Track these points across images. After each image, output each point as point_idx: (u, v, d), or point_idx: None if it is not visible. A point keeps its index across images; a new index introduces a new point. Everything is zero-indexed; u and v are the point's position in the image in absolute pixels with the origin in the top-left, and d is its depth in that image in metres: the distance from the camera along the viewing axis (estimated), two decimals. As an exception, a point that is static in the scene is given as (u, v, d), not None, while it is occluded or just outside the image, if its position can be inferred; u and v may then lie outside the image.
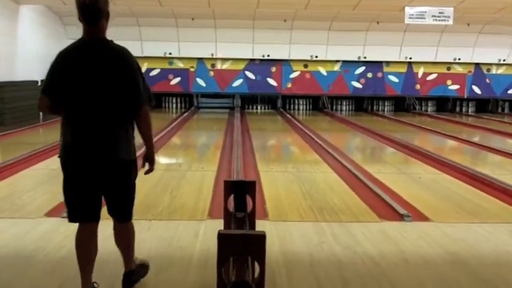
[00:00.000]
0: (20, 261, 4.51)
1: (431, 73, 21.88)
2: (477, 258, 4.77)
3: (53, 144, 10.18)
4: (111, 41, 3.72)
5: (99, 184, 3.74)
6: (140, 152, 3.95)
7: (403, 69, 21.79)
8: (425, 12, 17.73)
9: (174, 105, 22.11)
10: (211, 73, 21.33)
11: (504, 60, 21.73)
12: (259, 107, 22.36)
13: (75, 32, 17.85)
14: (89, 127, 3.59)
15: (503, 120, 18.94)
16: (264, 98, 22.26)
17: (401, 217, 5.93)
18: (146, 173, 4.00)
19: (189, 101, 22.01)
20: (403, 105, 22.40)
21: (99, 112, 3.57)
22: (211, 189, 7.15)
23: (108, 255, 4.28)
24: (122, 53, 3.66)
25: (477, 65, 21.91)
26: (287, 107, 22.14)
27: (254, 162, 9.52)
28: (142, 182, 7.80)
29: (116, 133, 3.65)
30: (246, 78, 21.35)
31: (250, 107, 22.27)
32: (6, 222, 5.62)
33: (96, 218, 3.82)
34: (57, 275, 4.24)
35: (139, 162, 3.95)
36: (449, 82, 21.96)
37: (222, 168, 8.82)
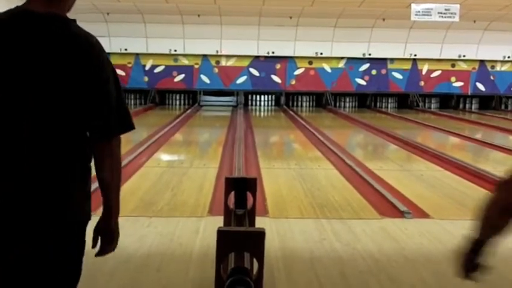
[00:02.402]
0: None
1: (435, 70, 21.82)
2: (477, 256, 4.76)
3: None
4: (74, 22, 2.21)
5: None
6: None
7: (408, 66, 21.74)
8: (432, 9, 17.68)
9: (178, 102, 22.12)
10: (216, 70, 21.32)
11: (509, 57, 21.64)
12: (262, 103, 22.34)
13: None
14: (11, 162, 2.09)
15: (506, 117, 18.87)
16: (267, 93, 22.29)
17: (401, 214, 5.94)
18: (98, 254, 2.55)
19: (193, 97, 22.00)
20: (406, 102, 22.36)
21: (33, 136, 2.09)
22: (213, 186, 7.15)
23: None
24: (90, 44, 2.18)
25: (482, 62, 21.84)
26: (290, 104, 22.13)
27: (256, 159, 9.53)
28: (143, 178, 7.88)
29: (61, 174, 2.14)
30: (250, 75, 21.34)
31: (254, 103, 22.26)
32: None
33: None
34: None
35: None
36: (453, 79, 21.89)
37: (223, 165, 8.83)
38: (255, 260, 3.05)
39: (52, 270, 2.21)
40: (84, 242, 2.37)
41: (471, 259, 2.28)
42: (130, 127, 2.27)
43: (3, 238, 2.11)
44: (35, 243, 2.13)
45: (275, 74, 21.40)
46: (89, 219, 2.34)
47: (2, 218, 2.09)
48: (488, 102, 22.50)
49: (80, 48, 2.12)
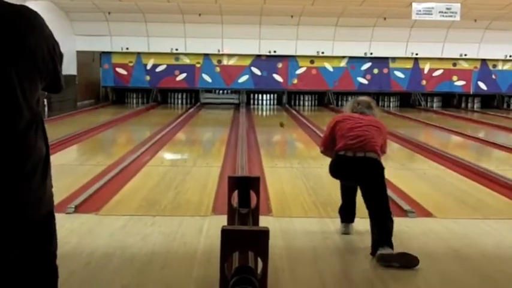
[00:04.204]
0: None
1: (437, 69, 21.83)
2: (481, 254, 4.77)
3: (57, 140, 10.23)
4: None
5: None
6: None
7: (409, 65, 21.75)
8: (433, 8, 17.69)
9: (180, 101, 22.13)
10: (217, 69, 21.34)
11: (510, 56, 21.64)
12: (264, 102, 22.35)
13: (82, 28, 17.89)
14: None
15: (508, 116, 18.87)
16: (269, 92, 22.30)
17: (405, 213, 5.94)
18: None
19: (195, 96, 22.02)
20: (408, 101, 22.37)
21: None
22: (216, 185, 7.16)
23: (113, 249, 4.31)
24: (21, 14, 2.12)
25: (483, 61, 21.85)
26: (292, 102, 22.13)
27: (259, 158, 9.53)
28: (147, 177, 7.89)
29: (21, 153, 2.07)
30: (252, 74, 21.35)
31: (256, 102, 22.27)
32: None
33: None
34: (62, 269, 4.26)
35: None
36: (455, 78, 21.90)
37: (226, 164, 8.84)
38: (258, 259, 3.06)
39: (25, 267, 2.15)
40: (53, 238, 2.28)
41: None
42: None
43: None
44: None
45: (277, 73, 21.43)
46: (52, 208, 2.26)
47: None
48: (490, 101, 22.50)
49: (11, 20, 2.07)
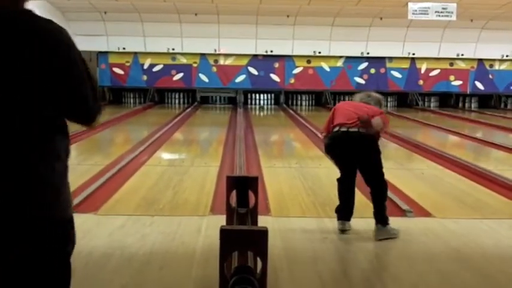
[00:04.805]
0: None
1: (434, 69, 21.82)
2: (480, 254, 4.77)
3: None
4: (31, 12, 2.15)
5: None
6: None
7: (406, 65, 21.74)
8: (429, 8, 17.69)
9: (177, 101, 22.10)
10: (214, 69, 21.32)
11: (507, 56, 21.64)
12: (261, 102, 22.33)
13: (78, 27, 17.81)
14: None
15: (506, 116, 18.90)
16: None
17: (403, 213, 5.94)
18: None
19: (192, 96, 22.00)
20: (405, 100, 22.38)
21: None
22: (214, 185, 7.15)
23: (112, 249, 4.30)
24: (49, 31, 2.12)
25: (480, 60, 21.85)
26: (290, 102, 22.13)
27: (257, 157, 9.53)
28: (145, 177, 7.87)
29: (40, 165, 2.09)
30: (249, 73, 21.34)
31: (253, 102, 22.25)
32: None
33: None
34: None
35: None
36: (452, 78, 21.90)
37: (224, 164, 8.83)
38: (257, 259, 3.05)
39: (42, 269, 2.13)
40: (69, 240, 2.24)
41: None
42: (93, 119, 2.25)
43: None
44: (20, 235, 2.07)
45: (274, 73, 21.40)
46: (71, 215, 2.25)
47: None
48: (488, 101, 22.51)
49: (36, 38, 2.06)
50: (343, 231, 5.18)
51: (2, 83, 2.03)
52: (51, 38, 2.09)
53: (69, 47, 2.15)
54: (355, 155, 5.19)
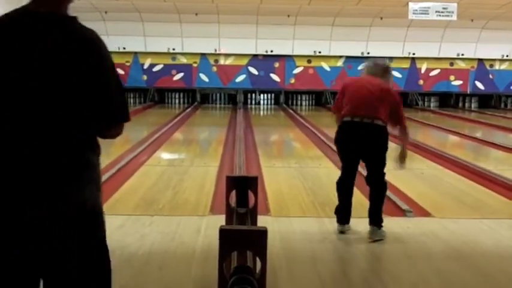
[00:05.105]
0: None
1: (434, 69, 21.81)
2: (479, 254, 4.77)
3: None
4: (76, 19, 2.25)
5: (36, 259, 2.22)
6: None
7: (406, 64, 21.73)
8: (429, 7, 17.69)
9: (177, 101, 22.09)
10: (214, 68, 21.31)
11: (507, 55, 21.65)
12: (262, 102, 22.32)
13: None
14: (28, 149, 2.13)
15: (506, 116, 18.88)
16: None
17: (403, 213, 5.94)
18: None
19: (192, 96, 21.99)
20: (405, 100, 22.33)
21: (45, 127, 2.14)
22: (214, 185, 7.15)
23: (111, 249, 4.27)
24: (91, 40, 2.24)
25: (480, 60, 21.84)
26: (290, 102, 22.11)
27: (257, 157, 9.52)
28: (144, 177, 7.87)
29: (76, 161, 2.21)
30: (249, 73, 21.32)
31: (253, 102, 22.23)
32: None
33: None
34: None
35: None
36: (452, 78, 21.88)
37: (224, 164, 8.83)
38: (256, 259, 3.05)
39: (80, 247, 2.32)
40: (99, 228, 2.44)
41: None
42: (126, 118, 2.34)
43: (38, 204, 2.14)
44: (61, 218, 2.18)
45: (274, 73, 21.39)
46: (101, 209, 2.40)
47: (32, 192, 2.13)
48: (488, 101, 22.48)
49: (80, 45, 2.18)
50: (342, 232, 5.18)
51: (55, 82, 2.14)
52: (101, 48, 2.29)
53: (110, 57, 2.38)
54: (366, 148, 5.14)
